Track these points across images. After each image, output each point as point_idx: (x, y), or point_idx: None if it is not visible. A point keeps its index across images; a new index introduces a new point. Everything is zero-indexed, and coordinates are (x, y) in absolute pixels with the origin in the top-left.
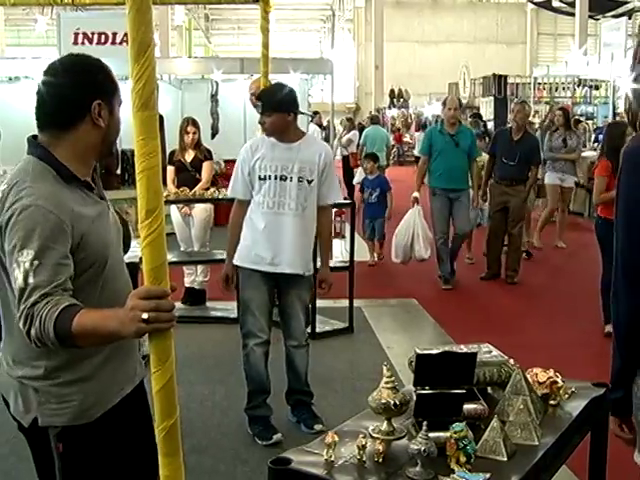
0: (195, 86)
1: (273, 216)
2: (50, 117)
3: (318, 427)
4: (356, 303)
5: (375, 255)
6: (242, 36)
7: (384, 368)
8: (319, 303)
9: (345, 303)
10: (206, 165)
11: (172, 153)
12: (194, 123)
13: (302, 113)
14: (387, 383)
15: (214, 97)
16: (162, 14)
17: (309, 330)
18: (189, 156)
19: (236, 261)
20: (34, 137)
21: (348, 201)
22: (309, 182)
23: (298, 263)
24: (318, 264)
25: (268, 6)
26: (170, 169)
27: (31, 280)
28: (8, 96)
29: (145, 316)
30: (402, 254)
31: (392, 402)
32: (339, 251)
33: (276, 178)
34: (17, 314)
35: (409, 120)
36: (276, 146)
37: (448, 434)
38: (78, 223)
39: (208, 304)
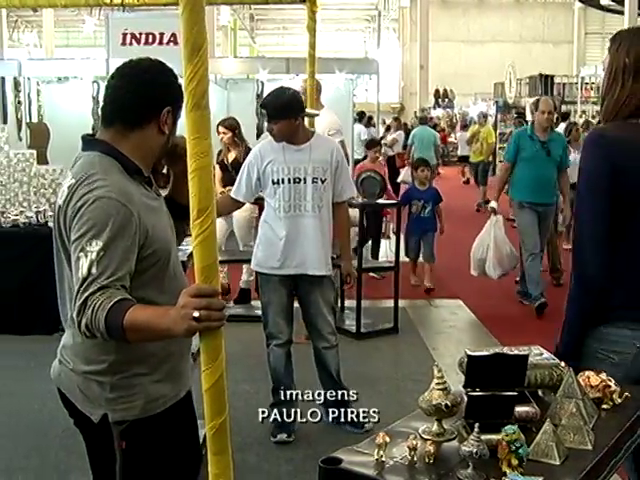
0: (240, 86)
1: (291, 219)
2: (121, 113)
3: (369, 425)
4: (401, 303)
5: (427, 281)
6: (287, 36)
7: (435, 369)
8: (364, 303)
9: (390, 303)
10: None
11: (219, 153)
12: (224, 124)
13: (309, 115)
14: (438, 384)
15: (260, 97)
16: (208, 14)
17: (354, 330)
18: (231, 156)
19: (254, 266)
20: (89, 135)
21: (394, 201)
22: (323, 182)
23: (321, 264)
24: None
25: (315, 6)
26: (216, 168)
27: (94, 270)
28: (57, 96)
29: (196, 314)
30: (478, 269)
31: (443, 403)
32: (384, 251)
33: (290, 181)
34: (74, 303)
35: (454, 120)
36: (287, 149)
37: (499, 436)
38: (146, 216)
39: (253, 303)
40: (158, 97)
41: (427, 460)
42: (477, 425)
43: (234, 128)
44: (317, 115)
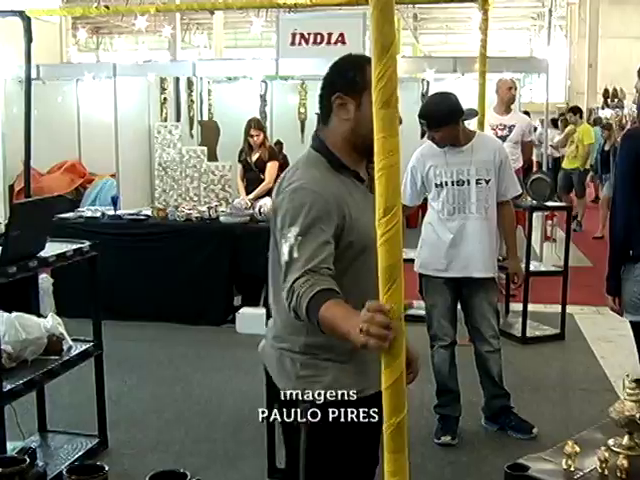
0: (406, 85)
1: (455, 222)
2: (319, 113)
3: (535, 431)
4: (568, 309)
5: None
6: (450, 35)
7: (626, 380)
8: (530, 307)
9: (557, 309)
10: (269, 166)
11: (241, 152)
12: (257, 126)
13: (468, 116)
14: (631, 395)
15: (425, 96)
16: None
17: (519, 335)
18: (255, 156)
19: (418, 268)
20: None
21: (563, 204)
22: (487, 182)
23: (486, 266)
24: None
25: (487, 4)
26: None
27: (295, 254)
28: (227, 95)
29: (362, 327)
30: None
31: (638, 416)
32: (549, 254)
33: (453, 184)
34: (283, 287)
35: (624, 121)
36: (448, 151)
37: None
38: (344, 207)
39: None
40: (327, 90)
41: (619, 474)
42: None
43: (263, 129)
44: (477, 114)
